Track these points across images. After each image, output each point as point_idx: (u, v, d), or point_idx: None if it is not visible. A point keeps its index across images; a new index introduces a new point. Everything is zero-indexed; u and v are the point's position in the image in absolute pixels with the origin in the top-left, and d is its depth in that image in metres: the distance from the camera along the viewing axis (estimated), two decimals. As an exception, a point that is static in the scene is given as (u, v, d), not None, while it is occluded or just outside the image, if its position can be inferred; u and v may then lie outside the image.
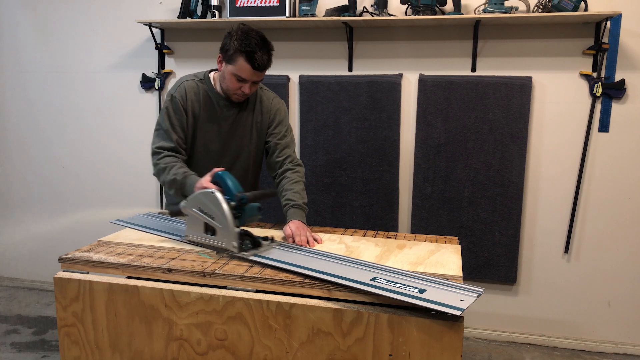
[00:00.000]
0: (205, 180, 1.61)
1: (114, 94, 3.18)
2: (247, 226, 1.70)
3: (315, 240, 1.68)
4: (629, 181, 2.60)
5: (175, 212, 1.63)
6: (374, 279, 1.33)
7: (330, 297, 1.31)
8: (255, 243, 1.56)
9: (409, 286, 1.28)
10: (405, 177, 2.82)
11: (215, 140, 1.93)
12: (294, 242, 1.65)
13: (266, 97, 1.99)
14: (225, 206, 1.48)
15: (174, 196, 1.78)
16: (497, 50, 2.64)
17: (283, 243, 1.63)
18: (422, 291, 1.25)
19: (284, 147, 1.97)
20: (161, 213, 2.07)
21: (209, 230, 1.55)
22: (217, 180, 1.58)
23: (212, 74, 1.93)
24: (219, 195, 1.50)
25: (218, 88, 1.90)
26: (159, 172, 1.80)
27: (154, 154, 1.84)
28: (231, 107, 1.91)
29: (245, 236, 1.54)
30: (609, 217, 2.65)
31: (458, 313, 1.15)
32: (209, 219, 1.53)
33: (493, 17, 2.44)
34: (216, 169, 1.62)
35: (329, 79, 2.79)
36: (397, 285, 1.29)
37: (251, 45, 1.71)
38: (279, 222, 1.98)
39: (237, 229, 1.50)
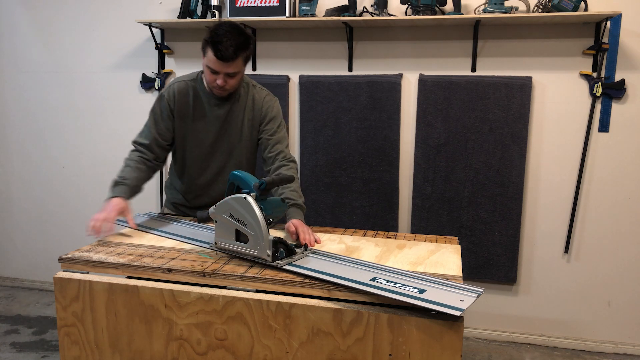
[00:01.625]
0: (112, 208, 1.67)
1: (114, 94, 3.18)
2: None
3: (315, 240, 1.67)
4: (629, 181, 2.60)
5: (204, 219, 1.57)
6: (373, 279, 1.33)
7: (330, 297, 1.31)
8: (290, 251, 1.48)
9: (409, 286, 1.28)
10: (405, 177, 2.82)
11: (206, 139, 1.94)
12: (297, 238, 1.62)
13: (258, 96, 1.98)
14: (258, 212, 1.41)
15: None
16: (497, 50, 2.64)
17: (317, 251, 1.56)
18: (422, 291, 1.26)
19: (276, 142, 1.95)
20: (164, 214, 2.07)
21: (241, 237, 1.47)
22: (232, 181, 1.57)
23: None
24: (251, 200, 1.42)
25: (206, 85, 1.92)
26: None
27: (133, 148, 1.94)
28: (222, 105, 1.92)
29: (279, 244, 1.46)
30: (609, 217, 2.65)
31: (458, 313, 1.15)
32: (241, 226, 1.45)
33: (493, 17, 2.44)
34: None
35: (329, 79, 2.79)
36: (397, 285, 1.29)
37: (218, 36, 1.70)
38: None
39: (271, 237, 1.43)
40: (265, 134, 1.97)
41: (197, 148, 1.95)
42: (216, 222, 1.51)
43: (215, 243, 1.54)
